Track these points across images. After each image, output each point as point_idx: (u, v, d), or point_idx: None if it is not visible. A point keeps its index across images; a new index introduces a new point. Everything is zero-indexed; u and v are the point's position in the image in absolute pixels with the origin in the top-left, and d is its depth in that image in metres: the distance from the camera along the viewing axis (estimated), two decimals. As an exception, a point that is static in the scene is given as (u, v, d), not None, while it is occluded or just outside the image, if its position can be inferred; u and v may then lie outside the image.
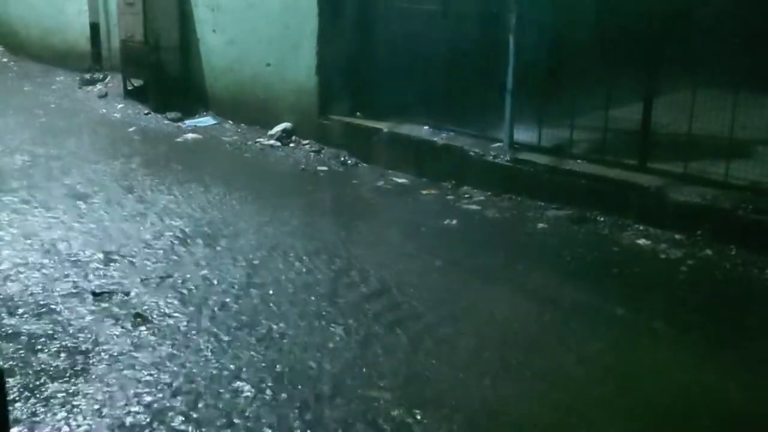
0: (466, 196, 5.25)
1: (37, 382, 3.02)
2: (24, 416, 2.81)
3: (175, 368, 3.14)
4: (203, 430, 2.76)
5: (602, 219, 4.72)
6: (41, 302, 3.67)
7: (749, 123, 4.87)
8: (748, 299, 3.84)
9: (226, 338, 3.39)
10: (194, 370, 3.13)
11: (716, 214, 4.37)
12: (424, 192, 5.37)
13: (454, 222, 4.82)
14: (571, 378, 3.13)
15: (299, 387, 3.02)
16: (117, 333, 3.41)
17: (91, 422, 2.80)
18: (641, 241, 4.44)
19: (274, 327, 3.48)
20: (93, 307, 3.64)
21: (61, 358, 3.20)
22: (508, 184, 5.19)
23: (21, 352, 3.24)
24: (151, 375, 3.10)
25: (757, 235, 4.21)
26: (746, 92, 4.51)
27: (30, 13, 10.04)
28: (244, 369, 3.15)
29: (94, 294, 3.77)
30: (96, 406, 2.88)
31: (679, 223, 4.46)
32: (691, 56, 4.97)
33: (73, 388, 2.99)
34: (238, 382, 3.05)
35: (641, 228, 4.58)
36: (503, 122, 5.34)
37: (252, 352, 3.27)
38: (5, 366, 3.08)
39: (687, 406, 2.97)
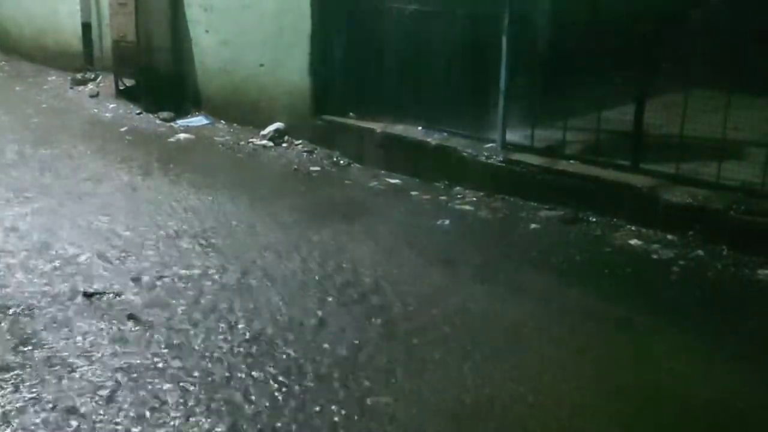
0: (459, 196, 5.25)
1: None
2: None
3: (167, 369, 3.14)
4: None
5: (594, 219, 4.73)
6: (31, 302, 3.66)
7: (741, 124, 4.89)
8: (740, 299, 3.85)
9: (220, 337, 3.38)
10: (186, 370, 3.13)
11: (708, 215, 4.38)
12: (416, 193, 5.36)
13: (447, 222, 4.82)
14: (564, 375, 3.12)
15: (287, 385, 3.02)
16: (109, 333, 3.40)
17: None
18: (633, 242, 4.45)
19: (269, 328, 3.47)
20: (84, 307, 3.62)
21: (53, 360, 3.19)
22: (501, 184, 5.19)
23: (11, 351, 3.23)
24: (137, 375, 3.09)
25: (749, 235, 4.22)
26: (738, 93, 4.52)
27: (22, 14, 10.01)
28: (236, 371, 3.14)
29: (86, 294, 3.75)
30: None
31: (671, 224, 4.47)
32: (684, 57, 4.99)
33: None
34: (232, 383, 3.05)
35: (633, 228, 4.59)
36: (496, 123, 5.35)
37: (246, 353, 3.27)
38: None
39: (680, 406, 2.97)
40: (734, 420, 2.91)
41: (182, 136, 6.79)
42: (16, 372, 3.08)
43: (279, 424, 2.80)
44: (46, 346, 3.27)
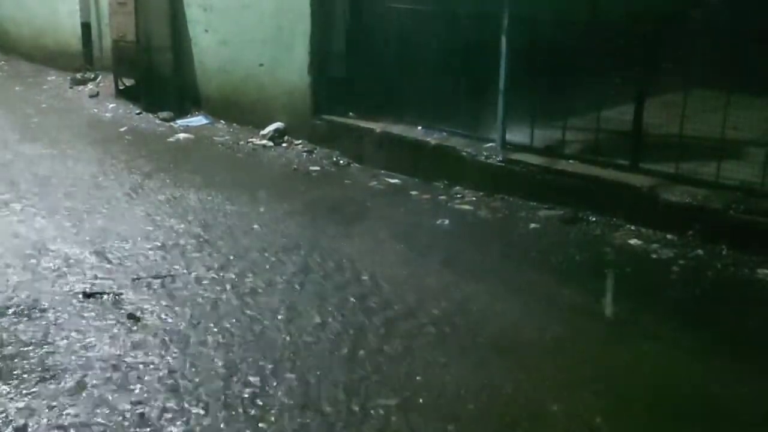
0: (459, 196, 5.26)
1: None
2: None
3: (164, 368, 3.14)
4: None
5: (594, 219, 4.73)
6: (31, 302, 3.65)
7: (740, 124, 4.89)
8: (739, 299, 3.85)
9: (219, 337, 3.38)
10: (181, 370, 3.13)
11: (707, 214, 4.38)
12: (416, 192, 5.36)
13: (447, 222, 4.82)
14: (563, 375, 3.13)
15: (292, 388, 3.03)
16: (108, 333, 3.40)
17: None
18: (633, 241, 4.45)
19: (269, 328, 3.47)
20: (84, 307, 3.62)
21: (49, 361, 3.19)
22: (501, 184, 5.19)
23: (9, 353, 3.23)
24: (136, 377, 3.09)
25: (748, 234, 4.22)
26: (738, 93, 4.53)
27: (21, 13, 10.00)
28: (235, 372, 3.14)
29: (86, 294, 3.75)
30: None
31: (671, 223, 4.47)
32: (684, 57, 5.00)
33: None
34: (231, 383, 3.05)
35: (633, 228, 4.59)
36: (496, 122, 5.35)
37: (245, 354, 3.27)
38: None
39: (678, 405, 2.97)
40: (734, 420, 2.91)
41: (182, 135, 6.79)
42: (16, 373, 3.08)
43: (283, 425, 2.80)
44: (45, 347, 3.27)
